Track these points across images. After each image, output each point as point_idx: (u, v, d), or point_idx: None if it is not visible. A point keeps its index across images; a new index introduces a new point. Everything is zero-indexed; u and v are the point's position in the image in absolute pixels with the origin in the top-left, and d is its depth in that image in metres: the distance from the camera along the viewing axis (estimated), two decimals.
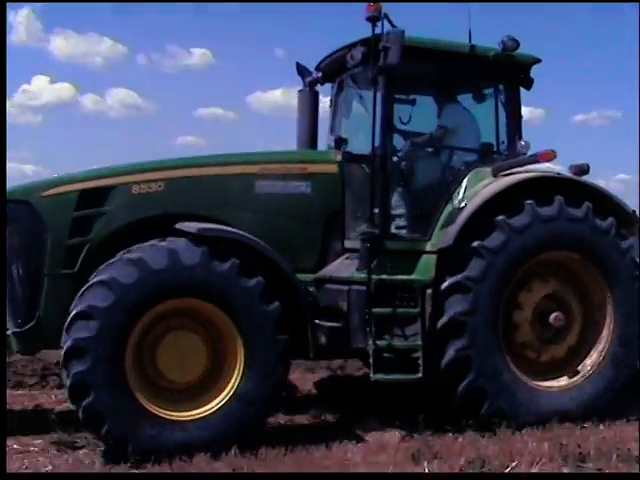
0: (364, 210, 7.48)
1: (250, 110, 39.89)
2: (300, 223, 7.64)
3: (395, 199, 7.80)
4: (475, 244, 7.14)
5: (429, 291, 7.20)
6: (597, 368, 7.63)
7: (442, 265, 7.28)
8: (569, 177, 7.75)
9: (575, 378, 7.64)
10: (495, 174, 7.62)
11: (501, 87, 8.36)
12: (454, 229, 7.25)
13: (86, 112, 38.94)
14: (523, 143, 7.95)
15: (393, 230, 7.69)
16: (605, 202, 7.76)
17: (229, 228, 6.85)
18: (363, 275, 7.14)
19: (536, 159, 7.68)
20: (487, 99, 8.58)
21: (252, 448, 6.12)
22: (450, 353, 7.07)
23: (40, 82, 37.84)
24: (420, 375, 7.03)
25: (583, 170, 7.89)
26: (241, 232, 6.79)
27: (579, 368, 7.69)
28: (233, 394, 6.36)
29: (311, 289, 7.38)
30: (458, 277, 7.09)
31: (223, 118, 39.78)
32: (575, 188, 7.64)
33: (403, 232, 7.78)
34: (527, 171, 7.64)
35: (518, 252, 7.28)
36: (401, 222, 7.83)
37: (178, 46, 40.46)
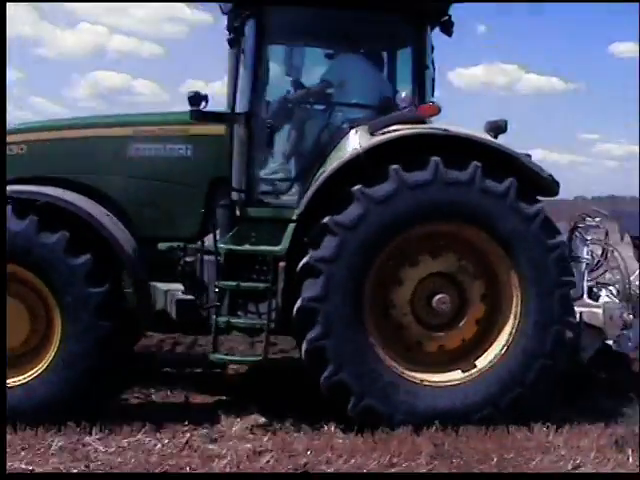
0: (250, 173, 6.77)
1: (451, 86, 39.53)
2: (180, 188, 7.01)
3: (265, 161, 6.99)
4: (326, 219, 6.09)
5: (282, 264, 6.33)
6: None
7: (304, 235, 6.34)
8: (451, 134, 6.32)
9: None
10: (372, 132, 6.44)
11: (402, 33, 7.15)
12: (308, 195, 6.33)
13: None
14: (403, 95, 6.84)
15: (263, 196, 6.85)
16: (516, 165, 6.41)
17: (48, 191, 6.24)
18: (221, 245, 6.47)
19: (415, 114, 6.63)
20: (388, 48, 7.55)
21: (454, 425, 6.18)
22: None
23: None
24: (261, 357, 6.38)
25: (499, 127, 6.78)
26: (56, 194, 6.21)
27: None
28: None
29: (187, 259, 6.79)
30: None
31: None
32: (485, 151, 6.34)
33: (271, 198, 6.89)
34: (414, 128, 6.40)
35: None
36: (271, 187, 6.97)
37: None
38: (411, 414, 6.10)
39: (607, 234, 7.97)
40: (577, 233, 7.93)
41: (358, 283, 6.15)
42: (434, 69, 7.39)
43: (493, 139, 6.59)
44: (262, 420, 6.22)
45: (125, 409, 6.27)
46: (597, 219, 8.08)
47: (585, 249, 7.82)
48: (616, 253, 7.84)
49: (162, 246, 6.85)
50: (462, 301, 6.51)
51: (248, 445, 5.71)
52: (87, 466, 5.23)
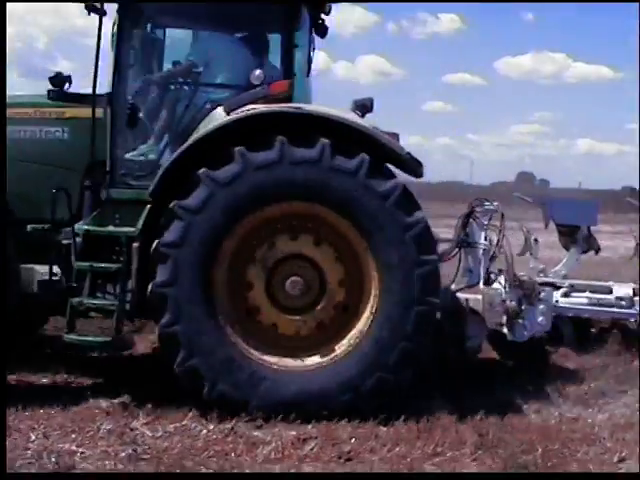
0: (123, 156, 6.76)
1: (498, 75, 39.36)
2: (56, 171, 6.88)
3: (129, 143, 6.86)
4: (173, 203, 6.03)
5: (136, 245, 6.23)
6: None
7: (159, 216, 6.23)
8: (304, 112, 6.22)
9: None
10: (227, 111, 6.39)
11: (271, 13, 7.02)
12: (158, 175, 6.27)
13: (338, 79, 39.96)
14: (257, 73, 6.62)
15: (126, 178, 6.74)
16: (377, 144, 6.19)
17: None
18: (79, 226, 6.47)
19: (266, 91, 6.52)
20: (260, 28, 7.36)
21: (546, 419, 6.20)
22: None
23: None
24: (110, 339, 6.32)
25: (365, 106, 6.66)
26: None
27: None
28: None
29: (58, 241, 6.66)
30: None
31: (470, 83, 39.59)
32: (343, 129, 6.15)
33: (133, 180, 6.75)
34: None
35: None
36: (134, 169, 6.80)
37: (428, 13, 40.49)
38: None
39: (503, 218, 7.75)
40: (474, 218, 7.71)
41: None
42: (313, 49, 7.44)
43: (354, 118, 6.40)
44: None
45: (172, 394, 6.33)
46: (495, 203, 7.86)
47: (482, 234, 7.63)
48: (505, 240, 7.65)
49: (33, 228, 6.75)
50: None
51: (293, 432, 5.74)
52: (134, 450, 5.29)
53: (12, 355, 6.34)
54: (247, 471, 5.05)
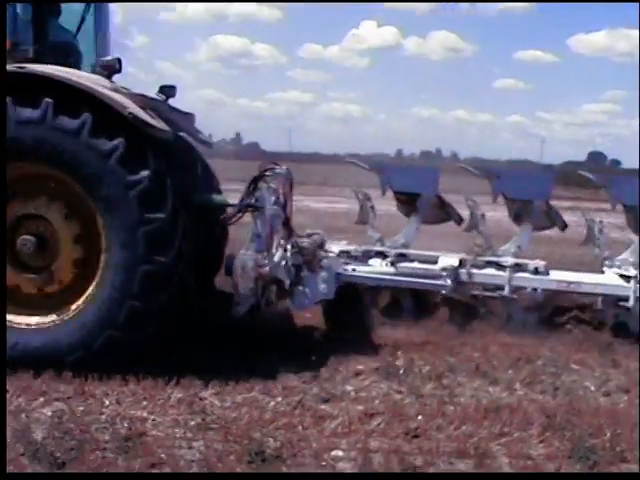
0: None
1: (571, 52, 38.67)
2: None
3: None
4: None
5: None
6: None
7: None
8: (27, 71, 6.12)
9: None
10: None
11: None
12: None
13: (409, 54, 39.81)
14: None
15: None
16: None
17: None
18: None
19: None
20: None
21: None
22: None
23: (368, 26, 38.97)
24: None
25: (111, 66, 6.69)
26: None
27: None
28: None
29: None
30: None
31: (542, 60, 38.98)
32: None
33: None
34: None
35: None
36: None
37: None
38: None
39: (289, 184, 7.63)
40: (265, 182, 7.31)
41: None
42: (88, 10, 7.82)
43: (77, 79, 6.26)
44: (375, 382, 6.28)
45: (241, 365, 6.43)
46: (284, 167, 7.60)
47: (272, 199, 7.27)
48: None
49: None
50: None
51: (360, 407, 5.78)
52: (203, 419, 5.41)
53: None
54: (314, 445, 5.08)
